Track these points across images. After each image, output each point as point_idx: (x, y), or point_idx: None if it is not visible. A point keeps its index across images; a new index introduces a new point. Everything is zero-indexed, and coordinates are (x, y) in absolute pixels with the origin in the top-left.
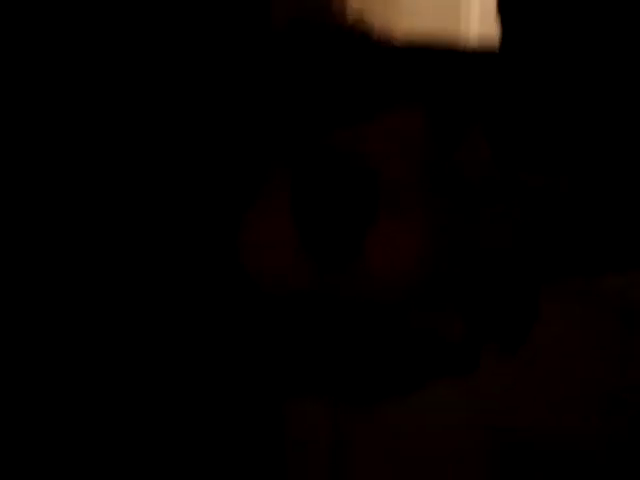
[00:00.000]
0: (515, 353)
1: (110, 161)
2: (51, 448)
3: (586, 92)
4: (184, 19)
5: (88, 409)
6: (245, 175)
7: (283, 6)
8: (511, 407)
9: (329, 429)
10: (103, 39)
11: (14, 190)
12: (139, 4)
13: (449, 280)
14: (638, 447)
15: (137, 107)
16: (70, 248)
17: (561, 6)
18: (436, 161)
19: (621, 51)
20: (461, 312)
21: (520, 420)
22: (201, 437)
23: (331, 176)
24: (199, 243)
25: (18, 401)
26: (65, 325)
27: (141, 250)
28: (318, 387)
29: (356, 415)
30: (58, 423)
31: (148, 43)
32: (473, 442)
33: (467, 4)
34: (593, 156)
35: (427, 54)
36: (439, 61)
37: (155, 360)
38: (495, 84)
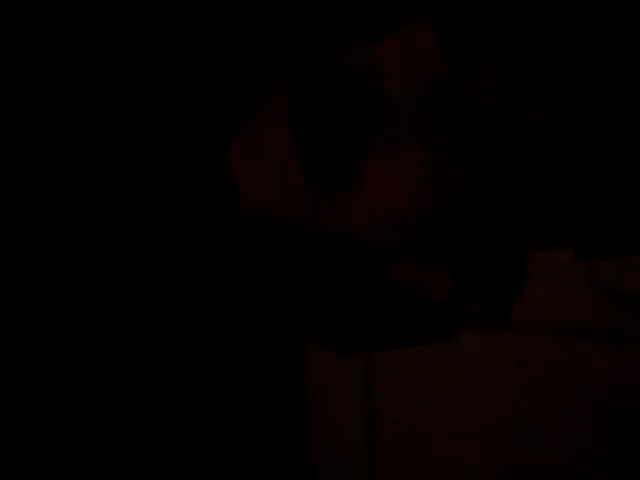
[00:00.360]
0: (499, 326)
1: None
2: (51, 447)
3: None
4: None
5: (88, 405)
6: (239, 87)
7: None
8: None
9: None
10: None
11: (13, 190)
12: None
13: (440, 227)
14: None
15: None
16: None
17: None
18: (444, 85)
19: None
20: (449, 267)
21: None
22: (216, 396)
23: (331, 88)
24: (188, 160)
25: (17, 401)
26: (62, 316)
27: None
28: (304, 326)
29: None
30: (58, 422)
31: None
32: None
33: None
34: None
35: None
36: None
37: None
38: (514, 7)
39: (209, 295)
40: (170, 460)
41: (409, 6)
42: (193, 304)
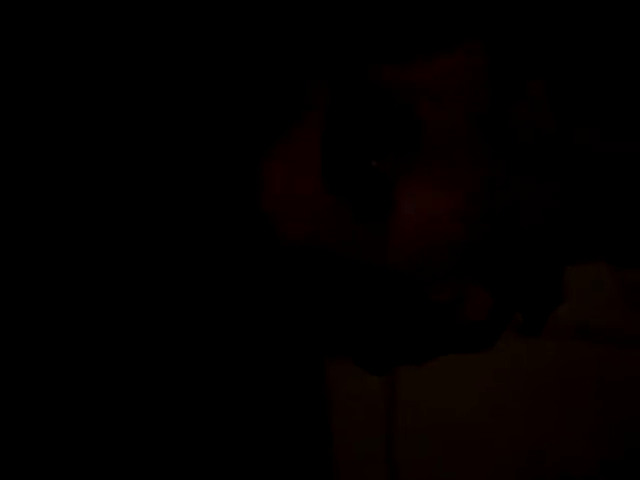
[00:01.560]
0: (538, 333)
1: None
2: (52, 447)
3: None
4: None
5: (89, 405)
6: (274, 105)
7: None
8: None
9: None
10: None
11: (12, 190)
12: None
13: (483, 251)
14: None
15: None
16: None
17: None
18: (491, 111)
19: None
20: (489, 287)
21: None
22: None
23: (370, 111)
24: (217, 185)
25: (17, 401)
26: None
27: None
28: (339, 348)
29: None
30: (58, 422)
31: None
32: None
33: None
34: None
35: None
36: None
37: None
38: (565, 30)
39: (239, 315)
40: (186, 462)
41: (456, 27)
42: (222, 319)
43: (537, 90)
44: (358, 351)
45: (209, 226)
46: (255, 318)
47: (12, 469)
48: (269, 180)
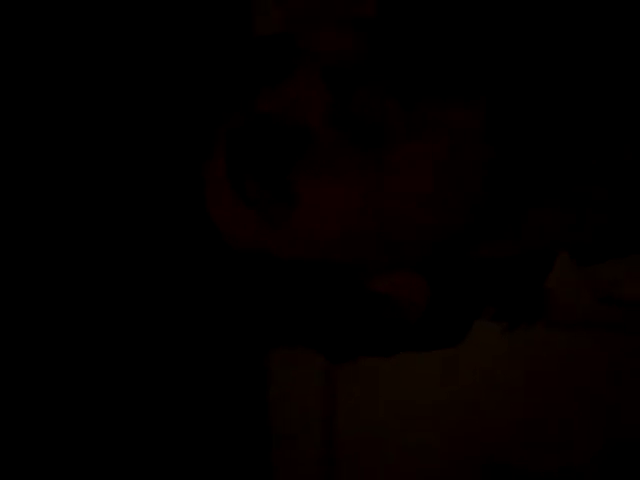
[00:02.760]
0: (514, 327)
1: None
2: (52, 446)
3: None
4: None
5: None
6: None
7: None
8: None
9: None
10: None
11: (12, 190)
12: None
13: (391, 241)
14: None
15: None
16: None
17: None
18: (335, 109)
19: None
20: (425, 274)
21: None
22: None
23: (257, 132)
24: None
25: (17, 401)
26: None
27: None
28: (291, 339)
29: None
30: (58, 422)
31: None
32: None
33: None
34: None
35: None
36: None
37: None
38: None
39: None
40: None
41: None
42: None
43: (365, 88)
44: (309, 342)
45: (156, 222)
46: (201, 312)
47: (12, 469)
48: (208, 184)
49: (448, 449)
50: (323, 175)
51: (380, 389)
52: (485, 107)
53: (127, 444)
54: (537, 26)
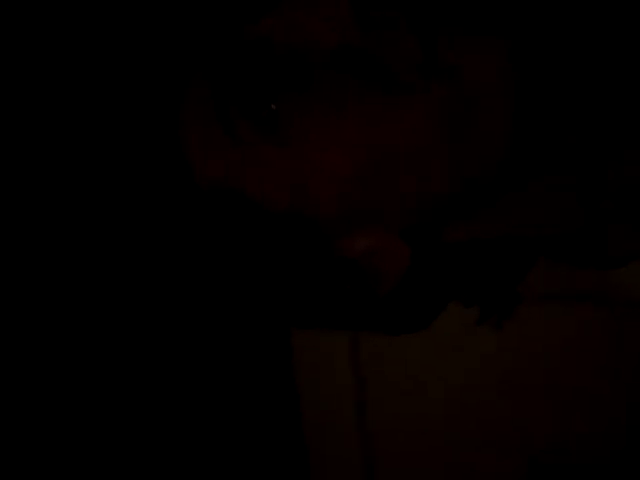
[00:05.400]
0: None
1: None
2: (51, 447)
3: None
4: None
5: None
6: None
7: None
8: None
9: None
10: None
11: (11, 191)
12: None
13: (385, 191)
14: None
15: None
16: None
17: None
18: (355, 49)
19: None
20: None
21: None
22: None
23: (241, 57)
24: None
25: (17, 401)
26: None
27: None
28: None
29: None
30: (58, 422)
31: None
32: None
33: None
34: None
35: None
36: None
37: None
38: None
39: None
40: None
41: None
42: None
43: (399, 29)
44: (268, 299)
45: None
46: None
47: (12, 469)
48: (183, 124)
49: (488, 438)
50: (320, 115)
51: (418, 375)
52: (506, 55)
53: (146, 431)
54: None
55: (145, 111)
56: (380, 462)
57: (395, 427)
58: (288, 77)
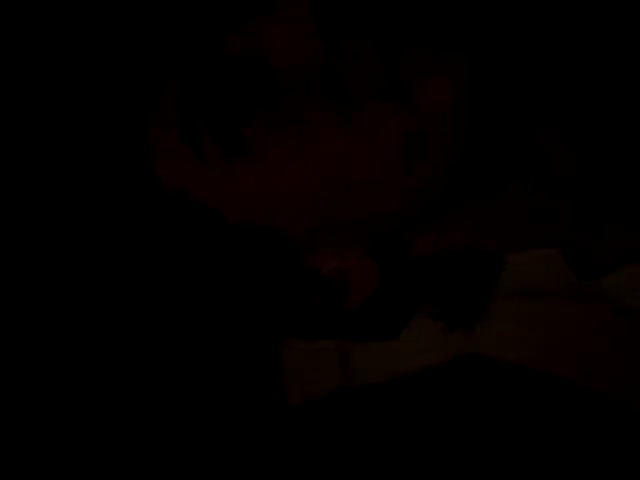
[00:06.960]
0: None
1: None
2: (51, 447)
3: None
4: None
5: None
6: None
7: None
8: None
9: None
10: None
11: (11, 192)
12: None
13: (350, 206)
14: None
15: None
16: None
17: None
18: (320, 68)
19: None
20: (376, 259)
21: None
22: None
23: (218, 77)
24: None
25: (17, 401)
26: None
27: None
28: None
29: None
30: (58, 422)
31: None
32: None
33: None
34: None
35: None
36: None
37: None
38: None
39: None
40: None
41: None
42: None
43: (365, 50)
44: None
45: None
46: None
47: (12, 469)
48: (151, 136)
49: None
50: (286, 130)
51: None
52: (464, 74)
53: (140, 434)
54: None
55: (117, 113)
56: None
57: None
58: (256, 97)
